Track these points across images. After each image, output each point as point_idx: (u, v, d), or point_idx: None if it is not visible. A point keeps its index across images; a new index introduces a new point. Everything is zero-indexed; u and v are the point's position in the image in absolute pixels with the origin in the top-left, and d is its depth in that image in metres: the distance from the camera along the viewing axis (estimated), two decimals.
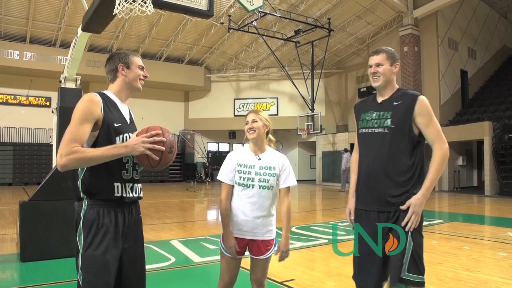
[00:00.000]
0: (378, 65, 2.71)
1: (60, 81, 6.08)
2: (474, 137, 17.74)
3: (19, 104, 21.98)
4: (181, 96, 27.43)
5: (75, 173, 2.22)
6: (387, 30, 22.07)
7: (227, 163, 2.83)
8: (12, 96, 21.87)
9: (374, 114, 2.70)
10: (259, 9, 18.27)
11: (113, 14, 3.61)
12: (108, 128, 2.21)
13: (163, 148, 2.16)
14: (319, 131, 21.67)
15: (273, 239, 2.87)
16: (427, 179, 2.57)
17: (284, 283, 4.45)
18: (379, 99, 2.74)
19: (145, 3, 3.48)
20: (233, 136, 27.88)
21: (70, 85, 6.06)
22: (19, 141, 21.66)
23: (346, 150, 18.90)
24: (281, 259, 2.87)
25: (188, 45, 23.53)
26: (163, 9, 4.47)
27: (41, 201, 5.31)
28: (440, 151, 2.57)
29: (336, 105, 25.89)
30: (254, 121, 2.82)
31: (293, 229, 8.00)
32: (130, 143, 2.13)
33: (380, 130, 2.65)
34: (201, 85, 26.00)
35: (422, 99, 2.61)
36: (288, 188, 2.89)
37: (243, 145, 3.04)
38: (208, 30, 21.67)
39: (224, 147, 28.92)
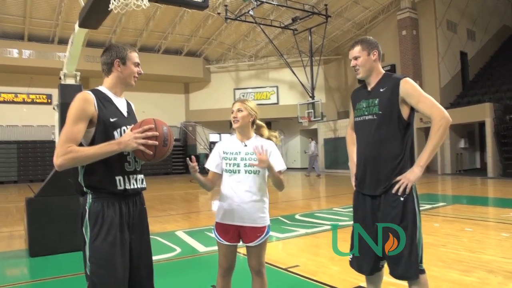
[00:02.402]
0: (355, 58, 2.80)
1: (60, 78, 6.12)
2: (475, 119, 17.73)
3: (20, 102, 22.02)
4: (181, 88, 27.41)
5: (75, 169, 2.26)
6: (384, 15, 21.95)
7: (213, 152, 2.97)
8: (13, 95, 21.93)
9: (364, 103, 2.80)
10: None
11: (109, 9, 3.63)
12: (104, 123, 2.24)
13: (156, 142, 2.18)
14: (320, 118, 21.70)
15: (265, 226, 2.88)
16: (424, 149, 2.62)
17: (289, 269, 4.52)
18: (369, 87, 2.84)
19: None
20: None
21: (70, 81, 6.10)
22: (22, 139, 21.74)
23: (312, 139, 21.43)
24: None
25: (185, 36, 23.46)
26: (158, 3, 4.48)
27: (46, 197, 5.39)
28: (435, 120, 2.59)
29: (336, 91, 25.86)
30: (239, 110, 2.88)
31: (297, 216, 8.08)
32: (123, 140, 2.15)
33: (370, 117, 2.75)
34: (200, 76, 25.97)
35: (405, 81, 2.66)
36: (279, 172, 2.88)
37: (231, 134, 3.11)
38: (205, 21, 21.58)
39: (225, 137, 28.91)
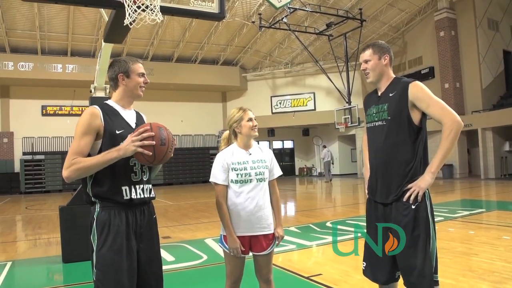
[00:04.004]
0: (366, 61, 2.75)
1: (91, 91, 6.35)
2: None
3: (64, 114, 23.07)
4: (218, 97, 27.76)
5: (84, 179, 2.35)
6: (421, 16, 21.45)
7: (218, 164, 2.85)
8: (57, 107, 23.04)
9: (375, 109, 2.74)
10: (288, 5, 18.23)
11: (124, 24, 3.76)
12: (111, 135, 2.32)
13: (153, 142, 2.22)
14: (357, 124, 21.40)
15: (273, 233, 2.90)
16: (435, 156, 2.53)
17: (311, 277, 4.47)
18: (379, 92, 2.78)
19: (153, 11, 3.61)
20: (272, 133, 27.92)
21: (100, 94, 6.31)
22: (66, 150, 22.64)
23: (324, 146, 22.84)
24: (278, 244, 2.95)
25: (221, 46, 23.80)
26: (174, 15, 4.59)
27: (77, 205, 5.58)
28: (446, 125, 2.50)
29: None
30: (255, 119, 2.89)
31: (328, 223, 7.99)
32: (122, 146, 2.22)
33: (380, 123, 2.68)
34: (237, 84, 26.23)
35: (414, 85, 2.58)
36: (275, 179, 2.99)
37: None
38: (240, 30, 21.82)
39: (263, 145, 28.98)
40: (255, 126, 2.89)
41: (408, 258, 2.52)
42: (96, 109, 2.34)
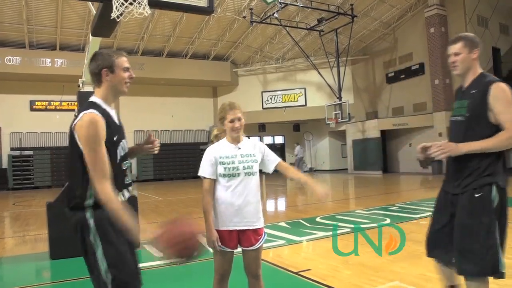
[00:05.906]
0: (456, 54, 2.73)
1: (79, 86, 6.29)
2: None
3: (53, 109, 22.81)
4: (209, 92, 27.64)
5: (83, 185, 2.18)
6: (412, 12, 21.49)
7: (206, 158, 2.87)
8: (46, 102, 22.76)
9: (458, 103, 2.78)
10: (279, 0, 18.19)
11: (111, 18, 3.71)
12: (110, 144, 2.21)
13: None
14: (347, 120, 21.46)
15: (262, 228, 2.90)
16: (480, 142, 2.55)
17: (300, 273, 4.48)
18: (463, 87, 2.80)
19: (140, 5, 3.55)
20: (263, 129, 27.88)
21: (88, 88, 6.25)
22: (55, 145, 22.46)
23: (297, 144, 24.29)
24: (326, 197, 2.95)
25: (212, 41, 23.68)
26: (162, 9, 4.55)
27: None
28: (508, 131, 2.50)
29: (364, 92, 25.46)
30: (239, 119, 2.86)
31: (318, 219, 8.01)
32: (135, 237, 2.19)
33: (459, 118, 2.73)
34: (228, 80, 26.13)
35: (496, 86, 2.58)
36: (281, 162, 3.02)
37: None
38: (231, 25, 21.73)
39: (254, 139, 28.95)
40: (237, 127, 2.86)
41: (459, 241, 2.60)
42: (100, 117, 2.17)
